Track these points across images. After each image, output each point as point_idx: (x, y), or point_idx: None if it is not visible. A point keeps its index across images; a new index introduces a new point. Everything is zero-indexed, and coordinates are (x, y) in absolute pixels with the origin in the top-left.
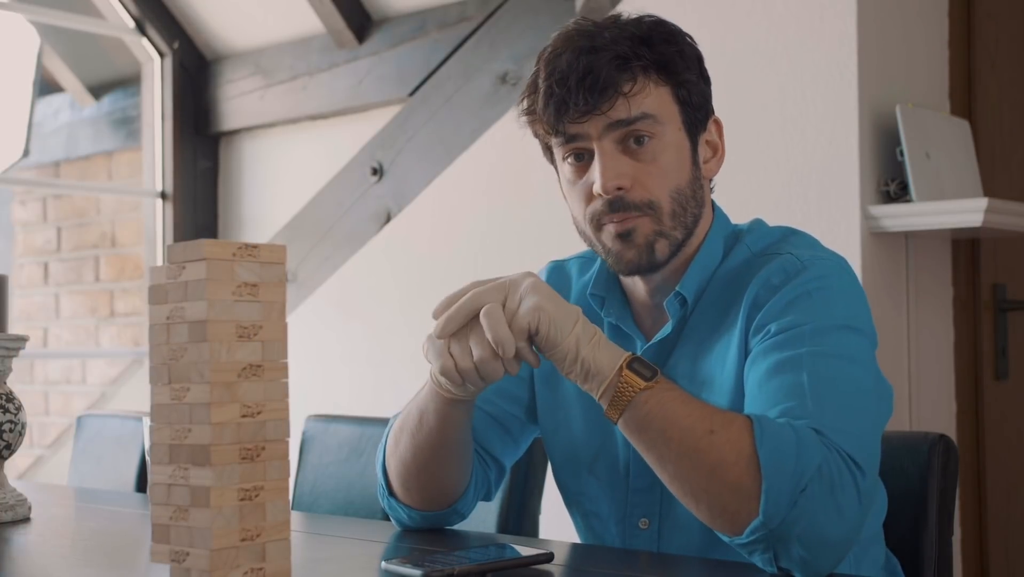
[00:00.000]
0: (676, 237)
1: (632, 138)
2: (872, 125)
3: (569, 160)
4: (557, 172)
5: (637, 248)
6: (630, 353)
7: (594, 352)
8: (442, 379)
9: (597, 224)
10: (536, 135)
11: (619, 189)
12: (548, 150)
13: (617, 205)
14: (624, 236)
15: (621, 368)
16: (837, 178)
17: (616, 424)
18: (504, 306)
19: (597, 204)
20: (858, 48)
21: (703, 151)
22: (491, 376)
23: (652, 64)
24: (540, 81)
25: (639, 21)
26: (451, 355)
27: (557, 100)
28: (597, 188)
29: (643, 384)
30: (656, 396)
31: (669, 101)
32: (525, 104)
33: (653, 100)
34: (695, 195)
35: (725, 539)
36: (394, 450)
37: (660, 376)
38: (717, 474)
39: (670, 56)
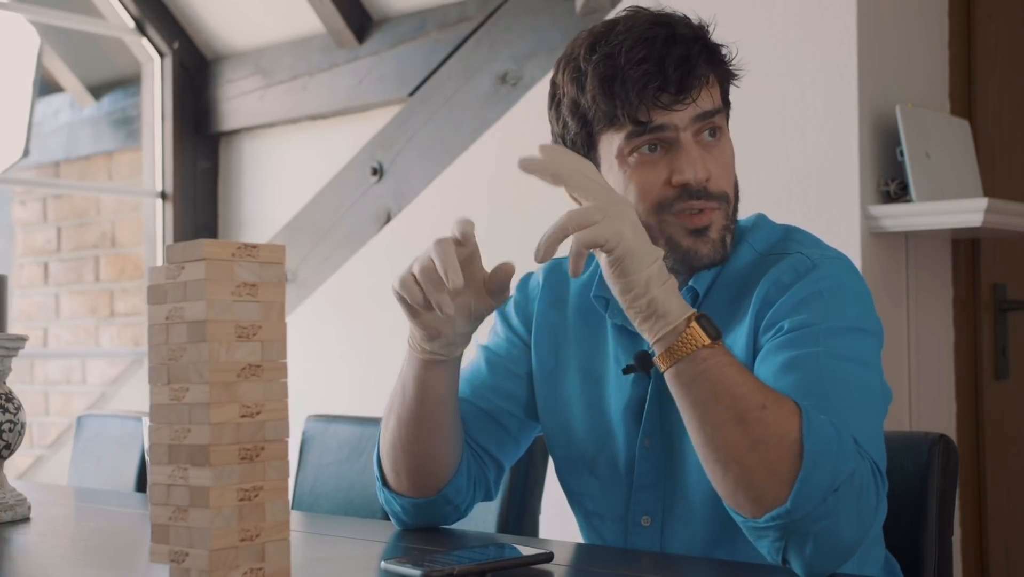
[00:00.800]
0: (733, 230)
1: (708, 131)
2: (872, 125)
3: (639, 152)
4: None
5: (712, 243)
6: (696, 310)
7: (667, 295)
8: (412, 323)
9: (667, 217)
10: (583, 124)
11: (707, 179)
12: (585, 144)
13: (701, 194)
14: (700, 232)
15: (690, 319)
16: (837, 178)
17: (664, 372)
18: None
19: (668, 192)
20: (858, 48)
21: None
22: (448, 266)
23: (717, 60)
24: (623, 65)
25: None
26: (410, 272)
27: (655, 87)
28: (687, 178)
29: (708, 340)
30: (716, 357)
31: (720, 97)
32: (590, 92)
33: (719, 94)
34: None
35: (738, 519)
36: (384, 434)
37: (722, 340)
38: (758, 449)
39: (722, 54)
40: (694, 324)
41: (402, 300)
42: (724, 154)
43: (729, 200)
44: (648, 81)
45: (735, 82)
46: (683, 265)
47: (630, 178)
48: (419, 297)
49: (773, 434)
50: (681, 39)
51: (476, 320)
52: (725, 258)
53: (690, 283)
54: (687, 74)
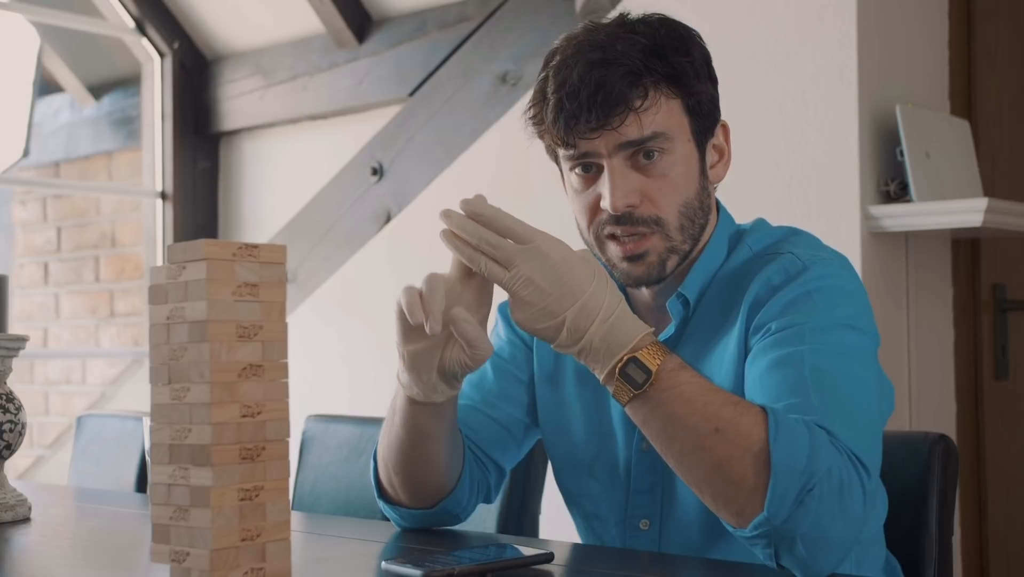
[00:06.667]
0: (685, 249)
1: (642, 153)
2: (872, 125)
3: (576, 171)
4: (561, 172)
5: (648, 265)
6: (625, 354)
7: (586, 358)
8: (400, 347)
9: (602, 237)
10: (543, 140)
11: (628, 207)
12: (553, 152)
13: (625, 220)
14: (633, 259)
15: (614, 374)
16: (837, 178)
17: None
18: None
19: (603, 216)
20: (858, 48)
21: (710, 156)
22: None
23: (664, 78)
24: (549, 92)
25: (650, 28)
26: (418, 289)
27: (567, 115)
28: (606, 205)
29: (633, 392)
30: (654, 398)
31: (679, 113)
32: (532, 112)
33: (664, 116)
34: (703, 205)
35: (730, 528)
36: (379, 446)
37: (657, 374)
38: (723, 468)
39: (682, 67)
40: (617, 380)
41: (401, 317)
42: (664, 177)
43: (665, 224)
44: (563, 108)
45: (696, 96)
46: (623, 283)
47: (575, 194)
48: (420, 317)
49: (734, 450)
50: (607, 63)
51: (453, 377)
52: (663, 277)
53: (680, 289)
54: (604, 102)
